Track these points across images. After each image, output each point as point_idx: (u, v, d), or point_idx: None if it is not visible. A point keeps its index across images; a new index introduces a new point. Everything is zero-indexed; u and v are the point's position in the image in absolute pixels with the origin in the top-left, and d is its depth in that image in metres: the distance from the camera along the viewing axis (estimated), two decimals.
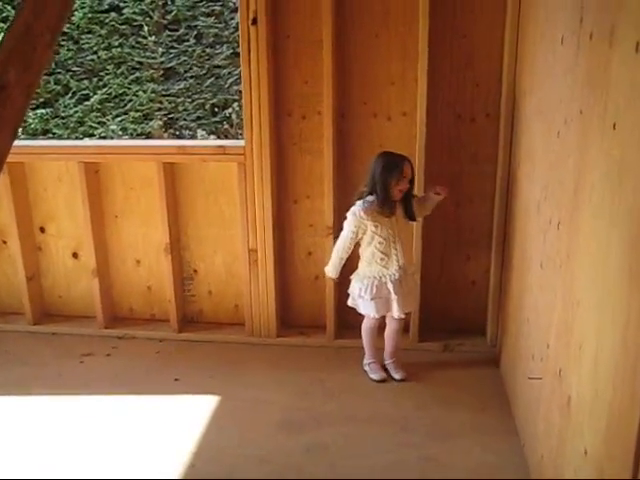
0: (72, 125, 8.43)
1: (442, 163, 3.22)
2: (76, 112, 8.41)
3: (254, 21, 3.09)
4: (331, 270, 3.09)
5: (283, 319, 3.61)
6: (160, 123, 8.51)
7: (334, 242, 3.31)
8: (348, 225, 2.96)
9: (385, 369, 3.17)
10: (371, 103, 3.24)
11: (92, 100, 8.38)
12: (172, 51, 8.41)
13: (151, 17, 8.33)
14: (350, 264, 3.07)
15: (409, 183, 2.90)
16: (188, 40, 8.37)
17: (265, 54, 3.12)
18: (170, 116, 8.56)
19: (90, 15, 8.27)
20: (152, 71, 8.43)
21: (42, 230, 3.72)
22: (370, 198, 2.91)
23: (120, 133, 8.40)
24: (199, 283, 3.68)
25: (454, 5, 3.08)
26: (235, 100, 8.33)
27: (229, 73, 8.40)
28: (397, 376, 3.13)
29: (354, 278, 3.07)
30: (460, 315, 3.47)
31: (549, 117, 2.27)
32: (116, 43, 8.33)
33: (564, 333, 1.94)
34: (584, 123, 1.78)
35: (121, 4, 8.31)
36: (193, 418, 2.83)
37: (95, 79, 8.44)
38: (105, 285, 3.68)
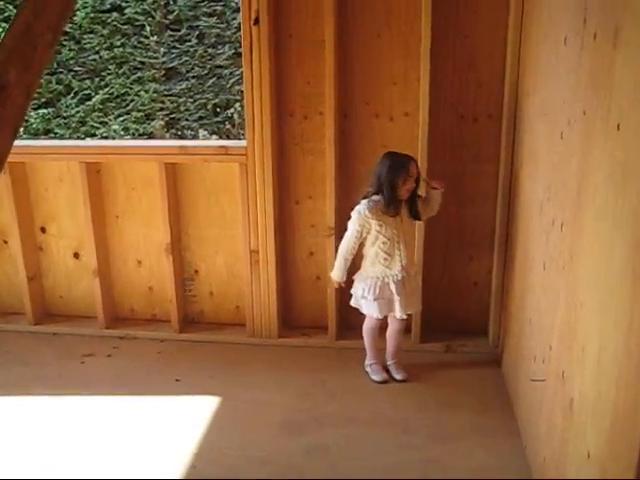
0: (74, 125, 8.43)
1: (444, 163, 3.21)
2: (78, 112, 8.41)
3: (256, 21, 3.08)
4: (337, 274, 3.06)
5: (284, 320, 3.60)
6: (162, 123, 8.51)
7: (336, 243, 3.31)
8: (352, 224, 2.94)
9: (387, 370, 3.16)
10: (373, 103, 3.24)
11: (94, 100, 8.38)
12: (174, 51, 8.40)
13: (153, 17, 8.33)
14: (353, 264, 3.06)
15: (415, 182, 2.90)
16: (190, 40, 8.37)
17: (267, 54, 3.11)
18: (172, 116, 8.56)
19: (92, 15, 8.27)
20: (154, 71, 8.43)
21: (43, 230, 3.71)
22: (376, 197, 2.90)
23: (122, 133, 8.40)
24: (200, 283, 3.67)
25: (456, 4, 3.07)
26: (237, 100, 8.33)
27: (231, 73, 8.39)
28: (399, 377, 3.12)
29: (357, 278, 3.06)
30: (462, 316, 3.46)
31: (552, 118, 2.26)
32: (118, 43, 8.33)
33: (567, 335, 1.93)
34: (587, 124, 1.77)
35: (123, 4, 8.31)
36: (194, 419, 2.82)
37: (97, 79, 8.44)
38: (106, 285, 3.68)
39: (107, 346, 3.54)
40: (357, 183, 3.32)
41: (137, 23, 8.35)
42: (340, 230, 3.31)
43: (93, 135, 8.39)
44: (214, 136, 8.55)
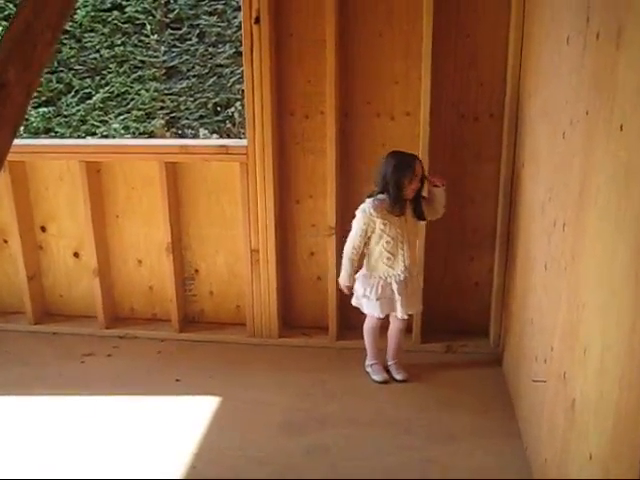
0: (74, 124, 8.41)
1: (445, 163, 3.20)
2: (78, 111, 8.40)
3: (257, 20, 3.07)
4: (344, 277, 3.02)
5: (285, 319, 3.59)
6: (162, 122, 8.49)
7: (336, 242, 3.30)
8: (357, 223, 2.93)
9: (387, 370, 3.15)
10: (374, 102, 3.23)
11: (94, 99, 8.37)
12: (174, 50, 8.39)
13: (153, 16, 8.32)
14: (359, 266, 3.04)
15: (420, 182, 2.88)
16: (190, 39, 8.35)
17: (268, 53, 3.10)
18: (172, 115, 8.54)
19: (93, 13, 8.25)
20: (154, 70, 8.41)
21: (43, 229, 3.70)
22: (381, 196, 2.89)
23: (122, 132, 8.38)
24: (200, 283, 3.67)
25: (458, 4, 3.06)
26: (238, 99, 8.31)
27: (232, 72, 8.37)
28: (399, 377, 3.11)
29: (358, 277, 3.04)
30: (463, 316, 3.45)
31: (554, 118, 2.25)
32: (118, 42, 8.31)
33: (569, 335, 1.92)
34: (590, 124, 1.76)
35: (124, 2, 8.29)
36: (194, 419, 2.82)
37: (97, 78, 8.42)
38: (106, 285, 3.67)
39: (107, 346, 3.54)
40: (358, 182, 3.32)
41: (138, 22, 8.33)
42: (341, 229, 3.31)
43: (93, 134, 8.38)
44: (215, 135, 8.54)
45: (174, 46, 8.40)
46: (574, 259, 1.89)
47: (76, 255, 3.72)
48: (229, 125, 8.58)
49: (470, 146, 3.22)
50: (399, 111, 3.22)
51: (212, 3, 8.32)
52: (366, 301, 3.01)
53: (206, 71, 8.39)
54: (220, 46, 8.37)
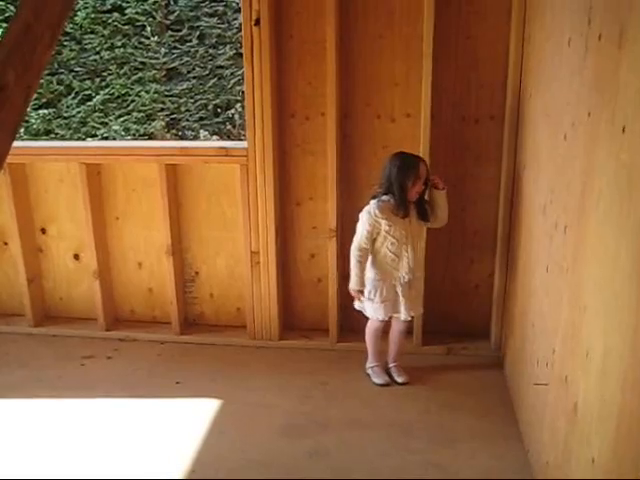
0: (74, 125, 8.42)
1: (446, 165, 3.20)
2: (79, 112, 8.41)
3: (257, 21, 3.07)
4: (355, 281, 2.95)
5: (285, 322, 3.58)
6: (162, 124, 8.50)
7: (337, 245, 3.30)
8: (362, 225, 2.91)
9: (388, 373, 3.14)
10: (375, 104, 3.22)
11: (94, 100, 8.38)
12: (175, 51, 8.40)
13: (154, 17, 8.32)
14: None
15: (424, 184, 2.87)
16: (191, 40, 8.36)
17: (268, 55, 3.09)
18: (173, 117, 8.55)
19: (93, 15, 8.27)
20: (155, 71, 8.42)
21: (43, 231, 3.70)
22: (385, 197, 2.88)
23: (122, 134, 8.39)
24: (201, 285, 3.66)
25: (459, 5, 3.05)
26: (238, 101, 8.32)
27: (232, 74, 8.38)
28: (400, 380, 3.10)
29: None
30: (464, 319, 3.44)
31: (555, 120, 2.24)
32: (119, 43, 8.32)
33: (570, 338, 1.91)
34: (592, 126, 1.75)
35: (124, 4, 8.30)
36: (194, 422, 2.81)
37: (98, 79, 8.43)
38: (106, 287, 3.66)
39: (107, 348, 3.53)
40: (359, 184, 3.31)
41: (138, 23, 8.34)
42: (342, 232, 3.31)
43: (94, 135, 8.39)
44: (215, 137, 8.55)
45: (174, 48, 8.41)
46: (576, 261, 1.88)
47: (76, 257, 3.71)
48: (229, 127, 8.58)
49: (471, 148, 3.21)
50: (399, 113, 3.21)
51: (212, 5, 8.33)
52: (370, 304, 2.99)
53: (206, 73, 8.41)
54: (220, 48, 8.38)
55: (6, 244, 3.73)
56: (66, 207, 3.63)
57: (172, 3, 8.34)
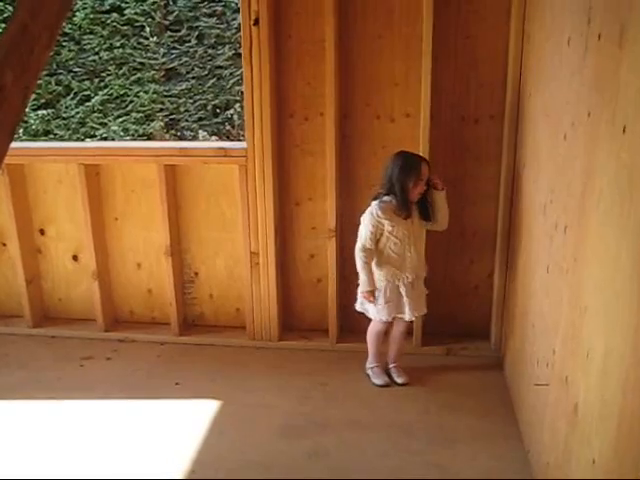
0: (73, 126, 8.41)
1: (446, 165, 3.19)
2: (77, 113, 8.39)
3: (256, 22, 3.06)
4: (365, 282, 2.90)
5: (285, 322, 3.58)
6: (162, 124, 8.49)
7: (336, 245, 3.29)
8: (366, 226, 2.89)
9: (387, 373, 3.14)
10: (374, 104, 3.21)
11: (93, 101, 8.36)
12: (174, 52, 8.38)
13: (153, 18, 8.31)
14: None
15: (426, 185, 2.86)
16: (190, 41, 8.35)
17: (267, 55, 3.09)
18: (172, 117, 8.53)
19: (92, 16, 8.25)
20: (154, 72, 8.41)
21: (42, 232, 3.69)
22: (387, 198, 2.87)
23: (121, 134, 8.37)
24: (200, 286, 3.65)
25: (458, 5, 3.05)
26: (237, 101, 8.31)
27: (231, 74, 8.37)
28: (400, 380, 3.09)
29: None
30: (463, 319, 3.43)
31: (555, 119, 2.24)
32: (118, 44, 8.31)
33: (571, 339, 1.91)
34: (592, 126, 1.75)
35: (123, 5, 8.29)
36: (194, 422, 2.80)
37: (96, 80, 8.41)
38: (105, 288, 3.66)
39: (106, 349, 3.52)
40: (358, 184, 3.31)
41: (137, 24, 8.32)
42: (341, 232, 3.30)
43: (93, 136, 8.37)
44: (214, 137, 8.54)
45: (173, 48, 8.39)
46: (576, 262, 1.88)
47: (75, 258, 3.70)
48: (228, 127, 8.58)
49: (470, 148, 3.21)
50: (399, 113, 3.20)
51: (211, 5, 8.32)
52: (373, 306, 2.97)
53: (205, 73, 8.39)
54: (219, 48, 8.37)
55: (5, 245, 3.73)
56: (65, 208, 3.62)
57: (171, 3, 8.33)
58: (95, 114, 8.40)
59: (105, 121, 8.40)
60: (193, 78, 8.42)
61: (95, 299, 3.62)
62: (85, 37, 8.32)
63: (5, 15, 8.03)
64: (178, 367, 3.31)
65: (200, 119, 8.50)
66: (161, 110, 8.49)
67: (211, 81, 8.40)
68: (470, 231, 3.32)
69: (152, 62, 8.38)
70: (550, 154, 2.32)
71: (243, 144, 3.28)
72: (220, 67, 8.39)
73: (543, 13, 2.56)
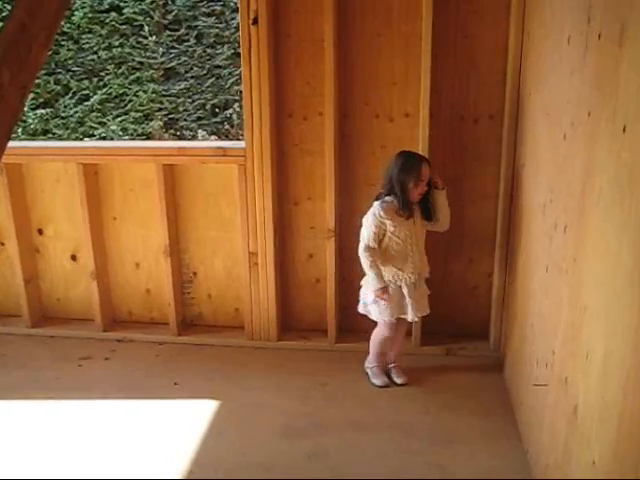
0: (72, 125, 8.39)
1: (445, 164, 3.18)
2: (76, 112, 8.38)
3: (255, 21, 3.05)
4: (375, 280, 2.86)
5: (284, 322, 3.57)
6: (160, 123, 8.47)
7: (335, 245, 3.28)
8: (368, 227, 2.88)
9: (387, 373, 3.13)
10: (373, 104, 3.21)
11: (92, 100, 8.35)
12: (173, 51, 8.37)
13: (152, 17, 8.30)
14: (358, 269, 3.01)
15: (427, 185, 2.85)
16: (189, 40, 8.33)
17: (266, 54, 3.08)
18: (170, 116, 8.52)
19: (90, 15, 8.24)
20: (152, 71, 8.39)
21: (40, 232, 3.68)
22: (388, 198, 2.86)
23: (120, 133, 8.36)
24: (199, 286, 3.64)
25: (457, 4, 3.04)
26: (236, 100, 8.30)
27: (230, 73, 8.36)
28: (399, 381, 3.09)
29: (365, 284, 2.98)
30: (463, 319, 3.43)
31: (555, 119, 2.23)
32: (116, 43, 8.29)
33: (571, 339, 1.90)
34: (592, 125, 1.74)
35: (121, 4, 8.27)
36: (193, 423, 2.80)
37: (95, 79, 8.40)
38: (104, 288, 3.65)
39: (105, 349, 3.51)
40: (357, 184, 3.30)
41: (136, 23, 8.31)
42: (340, 232, 3.29)
43: (92, 135, 8.36)
44: (213, 136, 8.52)
45: (172, 47, 8.38)
46: (576, 262, 1.87)
47: (73, 258, 3.70)
48: (227, 126, 8.56)
49: (470, 147, 3.20)
50: (398, 112, 3.20)
51: (210, 4, 8.30)
52: (375, 306, 2.96)
53: (204, 72, 8.38)
54: (218, 47, 8.36)
55: (3, 245, 3.72)
56: (63, 207, 3.61)
57: (170, 3, 8.31)
58: (94, 113, 8.38)
59: (104, 120, 8.39)
60: (192, 77, 8.40)
61: (93, 299, 3.61)
62: (84, 36, 8.31)
63: (3, 14, 8.02)
64: (177, 367, 3.30)
65: (199, 118, 8.48)
66: (160, 109, 8.48)
67: (210, 80, 8.39)
68: (470, 231, 3.31)
69: (151, 61, 8.37)
70: (550, 153, 2.32)
71: (242, 143, 3.27)
72: (219, 66, 8.38)
73: (543, 12, 2.56)
